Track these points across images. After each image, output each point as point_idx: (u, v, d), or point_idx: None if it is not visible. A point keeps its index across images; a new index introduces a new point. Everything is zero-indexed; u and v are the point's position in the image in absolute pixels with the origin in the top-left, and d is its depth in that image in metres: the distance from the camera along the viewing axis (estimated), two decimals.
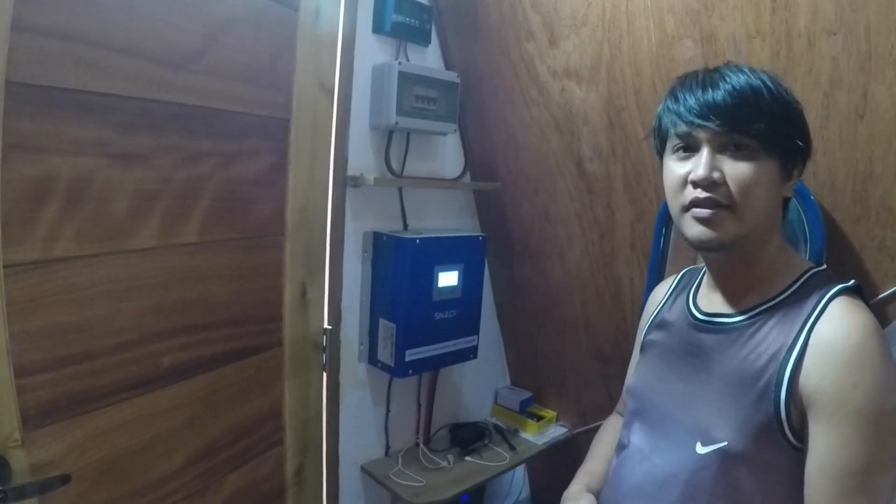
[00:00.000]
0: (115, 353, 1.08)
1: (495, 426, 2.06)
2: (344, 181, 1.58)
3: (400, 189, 1.79)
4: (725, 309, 0.95)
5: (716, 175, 0.83)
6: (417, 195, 1.83)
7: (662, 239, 1.46)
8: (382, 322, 1.70)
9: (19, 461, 0.94)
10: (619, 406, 1.30)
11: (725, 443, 0.84)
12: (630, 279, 1.68)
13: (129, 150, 1.07)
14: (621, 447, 1.06)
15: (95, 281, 1.04)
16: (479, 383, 2.15)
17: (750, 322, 0.89)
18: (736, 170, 0.83)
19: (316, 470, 1.62)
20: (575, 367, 1.98)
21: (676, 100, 0.88)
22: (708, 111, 0.83)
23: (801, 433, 0.81)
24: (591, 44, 1.51)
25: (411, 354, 1.68)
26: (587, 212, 1.71)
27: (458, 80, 1.73)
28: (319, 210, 1.52)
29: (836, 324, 0.80)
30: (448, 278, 1.74)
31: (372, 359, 1.74)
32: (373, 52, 1.65)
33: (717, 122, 0.82)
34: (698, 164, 0.84)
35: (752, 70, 0.86)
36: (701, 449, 0.88)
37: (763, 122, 0.81)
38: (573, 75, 1.58)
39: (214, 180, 1.23)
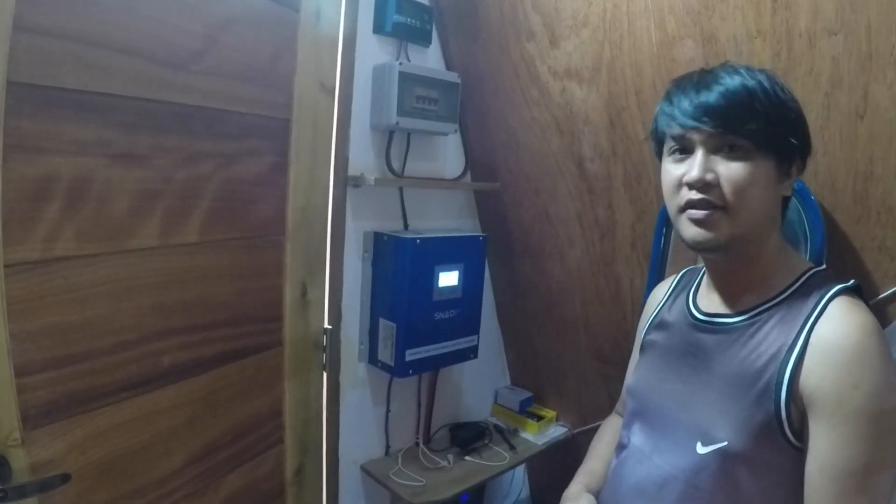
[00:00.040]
0: (116, 352, 1.08)
1: (495, 426, 2.06)
2: (344, 181, 1.59)
3: (400, 189, 1.79)
4: (725, 309, 0.95)
5: (709, 176, 0.83)
6: (418, 195, 1.84)
7: (663, 239, 1.46)
8: (383, 322, 1.70)
9: (19, 460, 0.94)
10: (618, 406, 1.30)
11: (725, 443, 0.84)
12: (630, 279, 1.68)
13: (129, 150, 1.07)
14: (621, 447, 1.06)
15: (96, 280, 1.04)
16: (479, 383, 2.15)
17: (750, 322, 0.89)
18: (730, 171, 0.83)
19: (316, 469, 1.62)
20: (575, 367, 1.98)
21: (671, 102, 0.88)
22: (701, 113, 0.83)
23: (802, 433, 0.81)
24: (591, 44, 1.51)
25: (411, 354, 1.68)
26: (588, 212, 1.71)
27: (458, 81, 1.73)
28: (320, 210, 1.52)
29: (837, 324, 0.80)
30: (448, 278, 1.74)
31: (372, 358, 1.74)
32: (373, 52, 1.65)
33: (711, 124, 0.83)
34: (692, 166, 0.85)
35: (749, 70, 0.86)
36: (701, 449, 0.88)
37: (757, 122, 0.81)
38: (574, 75, 1.58)
39: (215, 180, 1.23)
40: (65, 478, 0.99)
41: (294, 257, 1.45)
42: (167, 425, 1.19)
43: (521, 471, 2.31)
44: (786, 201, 0.92)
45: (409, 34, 1.70)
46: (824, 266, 0.93)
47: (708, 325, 0.96)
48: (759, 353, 0.86)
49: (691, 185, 0.85)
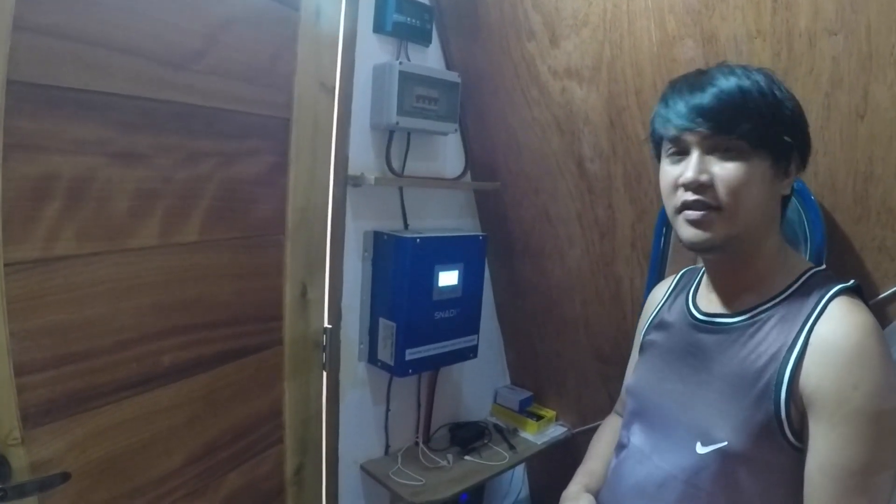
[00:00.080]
0: (116, 351, 1.08)
1: (495, 426, 2.06)
2: (344, 181, 1.58)
3: (400, 189, 1.79)
4: (725, 309, 0.95)
5: (703, 178, 0.84)
6: (418, 195, 1.84)
7: (663, 239, 1.46)
8: (382, 321, 1.70)
9: (19, 459, 0.94)
10: (617, 406, 1.30)
11: (725, 443, 0.84)
12: (630, 279, 1.68)
13: (129, 150, 1.07)
14: (621, 447, 1.06)
15: (96, 280, 1.04)
16: (478, 383, 2.15)
17: (750, 322, 0.89)
18: (724, 171, 0.83)
19: (316, 469, 1.62)
20: (575, 367, 1.98)
21: (667, 105, 0.89)
22: (695, 114, 0.84)
23: (801, 433, 0.81)
24: (592, 44, 1.51)
25: (411, 354, 1.68)
26: (588, 212, 1.71)
27: (458, 80, 1.73)
28: (320, 209, 1.52)
29: (836, 324, 0.80)
30: (448, 278, 1.74)
31: (372, 358, 1.74)
32: (374, 51, 1.65)
33: (704, 125, 0.83)
34: (687, 168, 0.86)
35: (746, 70, 0.86)
36: (701, 449, 0.88)
37: (750, 122, 0.82)
38: (574, 75, 1.58)
39: (215, 180, 1.23)
40: (65, 477, 0.99)
41: (294, 257, 1.45)
42: (167, 424, 1.19)
43: (520, 470, 2.31)
44: (785, 201, 0.92)
45: (410, 34, 1.70)
46: (824, 266, 0.93)
47: (708, 325, 0.96)
48: (758, 354, 0.86)
49: (686, 187, 0.86)
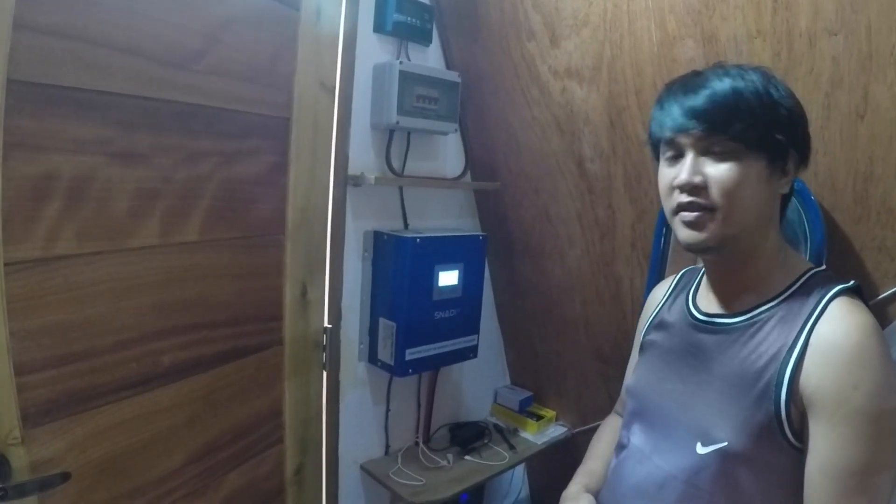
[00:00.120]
0: (116, 351, 1.08)
1: (495, 426, 2.06)
2: (345, 180, 1.58)
3: (400, 188, 1.79)
4: (725, 309, 0.95)
5: (697, 179, 0.84)
6: (418, 194, 1.84)
7: (663, 239, 1.46)
8: (383, 321, 1.70)
9: (19, 459, 0.94)
10: (617, 406, 1.30)
11: (725, 443, 0.85)
12: (630, 279, 1.68)
13: (129, 149, 1.07)
14: (621, 447, 1.06)
15: (96, 279, 1.04)
16: (478, 383, 2.15)
17: (750, 322, 0.89)
18: (718, 172, 0.84)
19: (316, 469, 1.62)
20: (575, 367, 1.98)
21: (662, 108, 0.90)
22: (689, 117, 0.85)
23: (802, 433, 0.81)
24: (592, 44, 1.51)
25: (411, 353, 1.68)
26: (588, 212, 1.71)
27: (458, 80, 1.73)
28: (320, 209, 1.52)
29: (837, 324, 0.80)
30: (448, 278, 1.74)
31: (372, 358, 1.74)
32: (374, 51, 1.65)
33: (698, 127, 0.84)
34: (681, 170, 0.86)
35: (741, 70, 0.86)
36: (701, 449, 0.88)
37: (743, 122, 0.82)
38: (574, 75, 1.58)
39: (215, 179, 1.23)
40: (65, 476, 0.99)
41: (294, 256, 1.45)
42: (167, 424, 1.19)
43: (520, 470, 2.31)
44: (785, 200, 0.92)
45: (410, 33, 1.70)
46: (824, 266, 0.93)
47: (708, 326, 0.96)
48: (759, 354, 0.86)
49: (681, 189, 0.86)
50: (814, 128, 0.95)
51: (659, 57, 1.38)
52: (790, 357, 0.82)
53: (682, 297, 1.07)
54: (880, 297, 1.13)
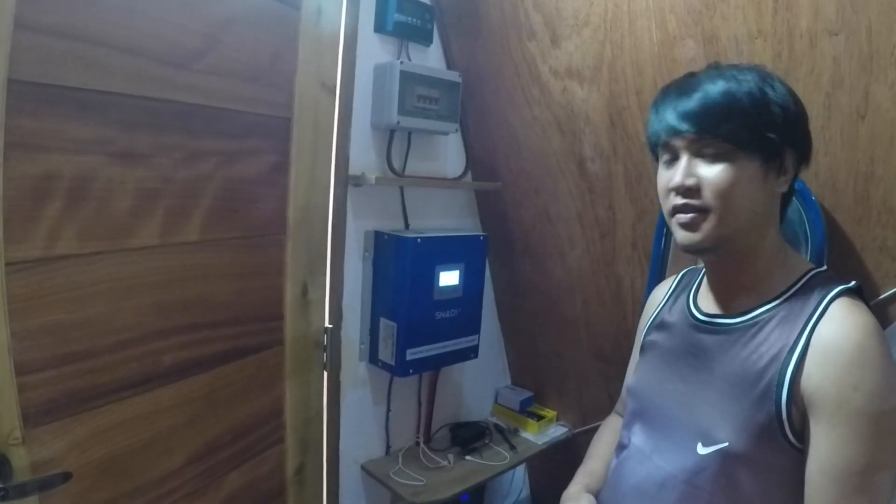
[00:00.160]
0: (116, 351, 1.08)
1: (496, 426, 2.06)
2: (345, 180, 1.59)
3: (401, 188, 1.79)
4: (726, 309, 0.95)
5: (690, 181, 0.85)
6: (419, 194, 1.84)
7: (663, 239, 1.46)
8: (383, 321, 1.70)
9: (20, 459, 0.94)
10: (618, 406, 1.30)
11: (726, 443, 0.84)
12: (631, 279, 1.68)
13: (130, 149, 1.07)
14: (621, 447, 1.06)
15: (97, 279, 1.04)
16: (479, 383, 2.15)
17: (751, 323, 0.89)
18: (710, 173, 0.84)
19: (316, 469, 1.62)
20: (575, 367, 1.98)
21: (657, 111, 0.91)
22: (682, 120, 0.85)
23: (802, 434, 0.81)
24: (592, 44, 1.51)
25: (412, 353, 1.68)
26: (588, 211, 1.71)
27: (459, 80, 1.73)
28: (321, 209, 1.52)
29: (837, 325, 0.80)
30: (449, 278, 1.74)
31: (373, 358, 1.74)
32: (374, 51, 1.65)
33: (690, 130, 0.85)
34: (675, 172, 0.87)
35: (737, 70, 0.87)
36: (702, 449, 0.88)
37: (734, 123, 0.82)
38: (575, 75, 1.58)
39: (216, 179, 1.23)
40: (65, 476, 0.99)
41: (295, 256, 1.45)
42: (168, 424, 1.19)
43: (521, 470, 2.31)
44: (785, 199, 0.92)
45: (411, 33, 1.70)
46: (825, 267, 0.93)
47: (708, 326, 0.96)
48: (759, 354, 0.85)
49: (676, 191, 0.87)
50: (814, 128, 0.95)
51: (659, 57, 1.38)
52: (791, 358, 0.81)
53: (683, 297, 1.07)
54: (881, 297, 1.13)
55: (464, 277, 1.78)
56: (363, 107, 1.63)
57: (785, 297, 0.88)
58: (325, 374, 1.61)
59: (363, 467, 1.79)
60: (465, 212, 2.04)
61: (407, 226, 1.81)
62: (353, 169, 1.61)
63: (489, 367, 2.16)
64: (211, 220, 1.23)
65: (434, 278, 1.70)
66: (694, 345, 0.97)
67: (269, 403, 1.44)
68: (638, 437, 1.02)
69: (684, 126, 0.85)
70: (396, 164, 1.75)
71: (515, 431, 2.04)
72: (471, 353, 1.87)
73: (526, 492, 2.34)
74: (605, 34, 1.47)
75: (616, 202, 1.63)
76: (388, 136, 1.72)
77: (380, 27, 1.65)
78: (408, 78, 1.59)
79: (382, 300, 1.71)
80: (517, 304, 2.11)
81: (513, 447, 1.93)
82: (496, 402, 2.19)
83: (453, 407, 2.08)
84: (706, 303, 1.00)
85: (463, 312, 1.80)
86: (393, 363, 1.68)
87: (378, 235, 1.71)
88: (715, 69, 0.89)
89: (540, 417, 2.04)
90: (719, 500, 0.86)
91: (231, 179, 1.27)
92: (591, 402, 1.98)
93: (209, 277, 1.25)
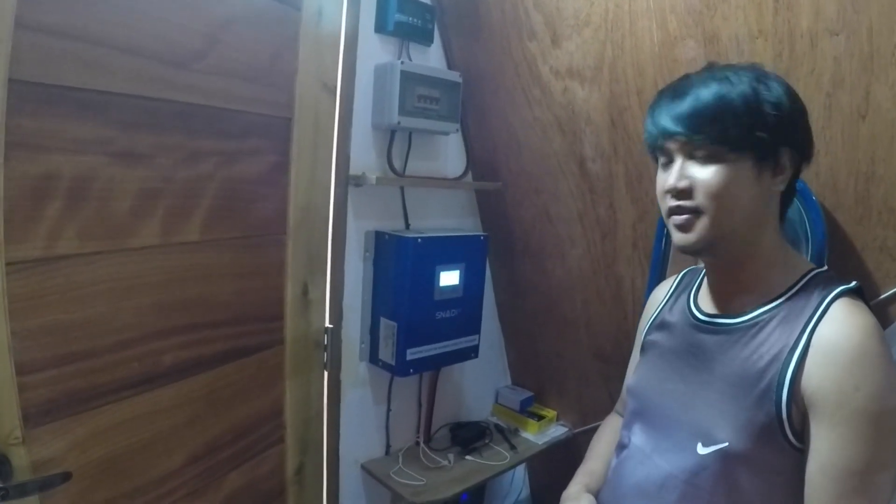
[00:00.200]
0: (117, 351, 1.08)
1: (496, 425, 2.06)
2: (346, 180, 1.59)
3: (402, 188, 1.79)
4: (726, 309, 0.95)
5: (682, 184, 0.87)
6: (419, 194, 1.84)
7: (664, 239, 1.46)
8: (384, 321, 1.70)
9: (20, 458, 0.94)
10: (618, 406, 1.30)
11: (726, 443, 0.84)
12: (632, 279, 1.68)
13: (130, 149, 1.07)
14: (621, 447, 1.06)
15: (97, 279, 1.04)
16: (479, 382, 2.15)
17: (751, 323, 0.89)
18: (702, 175, 0.85)
19: (316, 469, 1.62)
20: (576, 367, 1.98)
21: (653, 114, 0.92)
22: (675, 123, 0.86)
23: (802, 434, 0.81)
24: (593, 44, 1.51)
25: (412, 353, 1.68)
26: (589, 212, 1.71)
27: (460, 80, 1.73)
28: (321, 209, 1.52)
29: (838, 325, 0.80)
30: (449, 277, 1.74)
31: (373, 358, 1.74)
32: (375, 51, 1.65)
33: (682, 132, 0.86)
34: (669, 174, 0.89)
35: (732, 71, 0.87)
36: (702, 449, 0.88)
37: (725, 124, 0.83)
38: (575, 75, 1.58)
39: (216, 179, 1.23)
40: (66, 476, 0.99)
41: (295, 256, 1.45)
42: (168, 424, 1.19)
43: (521, 470, 2.31)
44: (785, 199, 0.92)
45: (411, 33, 1.70)
46: (826, 267, 0.93)
47: (709, 326, 0.96)
48: (760, 354, 0.85)
49: (670, 193, 0.88)
50: (815, 128, 0.95)
51: (660, 57, 1.38)
52: (791, 358, 0.81)
53: (684, 297, 1.07)
54: (881, 297, 1.13)
55: (464, 277, 1.78)
56: (364, 107, 1.63)
57: (785, 297, 0.88)
58: (326, 373, 1.61)
59: (363, 467, 1.80)
60: (466, 212, 2.04)
61: (407, 226, 1.81)
62: (354, 169, 1.61)
63: (489, 366, 2.16)
64: (211, 220, 1.23)
65: (434, 278, 1.70)
66: (694, 345, 0.97)
67: (269, 403, 1.44)
68: (638, 437, 1.02)
69: (676, 129, 0.86)
70: (397, 164, 1.75)
71: (516, 431, 2.04)
72: (471, 352, 1.87)
73: (526, 492, 2.34)
74: (606, 34, 1.47)
75: (617, 202, 1.63)
76: (389, 136, 1.72)
77: (380, 27, 1.65)
78: (408, 78, 1.59)
79: (383, 300, 1.71)
80: (517, 303, 2.11)
81: (513, 447, 1.93)
82: (496, 401, 2.19)
83: (453, 407, 2.08)
84: (706, 303, 1.00)
85: (463, 312, 1.80)
86: (393, 363, 1.68)
87: (378, 235, 1.71)
88: (708, 71, 0.89)
89: (540, 417, 2.04)
90: (719, 500, 0.86)
91: (231, 179, 1.27)
92: (591, 401, 1.98)
93: (209, 277, 1.25)
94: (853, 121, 1.11)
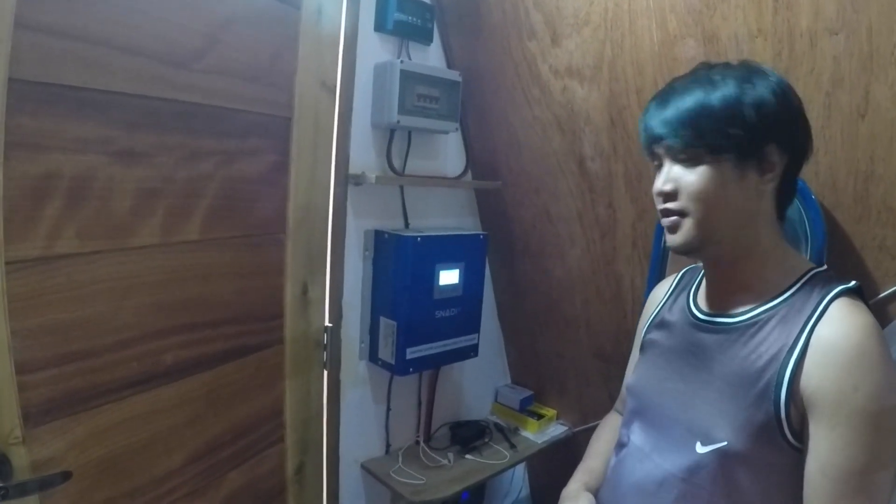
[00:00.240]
0: (117, 350, 1.09)
1: (496, 424, 2.06)
2: (345, 179, 1.59)
3: (401, 187, 1.79)
4: (725, 309, 0.95)
5: (667, 187, 0.89)
6: (419, 193, 1.84)
7: (663, 238, 1.45)
8: (383, 320, 1.70)
9: (20, 458, 0.94)
10: (617, 404, 1.30)
11: (725, 443, 0.85)
12: (631, 278, 1.68)
13: (130, 148, 1.07)
14: (621, 445, 1.06)
15: (97, 278, 1.04)
16: (479, 382, 2.15)
17: (750, 322, 0.89)
18: (686, 178, 0.88)
19: (316, 468, 1.62)
20: (575, 366, 1.98)
21: (643, 119, 0.94)
22: (660, 128, 0.89)
23: (801, 434, 0.81)
24: (593, 43, 1.51)
25: (412, 352, 1.69)
26: (588, 211, 1.71)
27: (459, 79, 1.73)
28: (321, 208, 1.52)
29: (837, 325, 0.80)
30: (449, 276, 1.74)
31: (373, 357, 1.74)
32: (375, 50, 1.65)
33: (665, 136, 0.88)
34: (658, 177, 0.91)
35: (719, 74, 0.87)
36: (701, 448, 0.88)
37: (703, 127, 0.84)
38: (575, 74, 1.58)
39: (216, 178, 1.23)
40: (66, 475, 0.99)
41: (295, 255, 1.45)
42: (168, 423, 1.19)
43: (521, 469, 2.31)
44: (784, 197, 0.91)
45: (411, 32, 1.70)
46: (825, 266, 0.93)
47: (708, 325, 0.96)
48: (759, 354, 0.86)
49: (658, 195, 0.91)
50: (815, 127, 0.95)
51: (660, 56, 1.38)
52: (790, 358, 0.81)
53: (683, 296, 1.07)
54: (881, 295, 1.13)
55: (464, 276, 1.78)
56: (363, 106, 1.63)
57: (784, 296, 0.88)
58: (325, 373, 1.62)
59: (363, 466, 1.80)
60: (466, 211, 2.04)
61: (407, 225, 1.81)
62: (354, 168, 1.61)
63: (489, 365, 2.17)
64: (211, 220, 1.23)
65: (434, 277, 1.70)
66: (694, 344, 0.97)
67: (269, 402, 1.44)
68: (637, 436, 1.02)
69: (660, 133, 0.89)
70: (396, 163, 1.75)
71: (515, 430, 2.04)
72: (471, 351, 1.88)
73: (526, 490, 2.35)
74: (606, 33, 1.47)
75: (616, 201, 1.63)
76: (389, 135, 1.72)
77: (380, 26, 1.65)
78: (408, 77, 1.59)
79: (382, 299, 1.71)
80: (517, 303, 2.11)
81: (513, 446, 1.93)
82: (496, 400, 2.20)
83: (453, 406, 2.08)
84: (706, 302, 1.00)
85: (463, 311, 1.80)
86: (393, 362, 1.68)
87: (378, 234, 1.71)
88: (693, 75, 0.91)
89: (540, 416, 2.04)
90: (718, 499, 0.86)
91: (231, 179, 1.27)
92: (591, 400, 1.98)
93: (209, 277, 1.25)
94: (852, 120, 1.11)
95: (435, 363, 1.82)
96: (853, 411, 0.76)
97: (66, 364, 1.01)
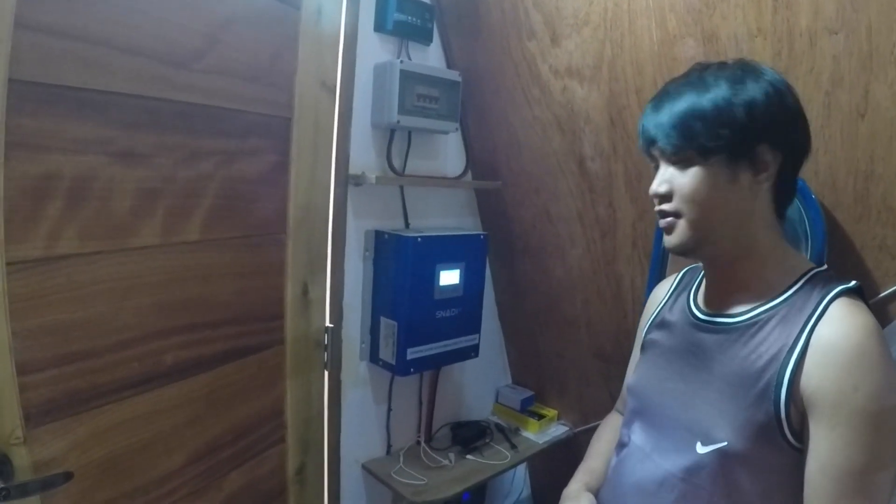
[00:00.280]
0: (117, 350, 1.09)
1: (496, 425, 2.06)
2: (346, 180, 1.59)
3: (401, 188, 1.79)
4: (725, 309, 0.95)
5: (661, 189, 0.91)
6: (419, 194, 1.84)
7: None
8: (384, 320, 1.70)
9: (21, 458, 0.94)
10: (618, 404, 1.30)
11: (725, 443, 0.85)
12: (631, 278, 1.68)
13: (130, 149, 1.07)
14: (621, 445, 1.06)
15: (97, 278, 1.04)
16: (480, 382, 2.15)
17: (751, 322, 0.89)
18: (680, 179, 0.89)
19: (317, 468, 1.62)
20: (576, 366, 1.98)
21: (640, 123, 0.95)
22: (654, 131, 0.90)
23: (801, 434, 0.81)
24: (592, 43, 1.51)
25: (413, 353, 1.69)
26: (588, 211, 1.71)
27: (459, 79, 1.73)
28: (321, 209, 1.52)
29: (837, 325, 0.80)
30: (449, 277, 1.74)
31: (373, 357, 1.74)
32: (375, 50, 1.65)
33: (658, 140, 0.89)
34: (654, 179, 0.93)
35: (712, 75, 0.87)
36: (701, 448, 0.88)
37: (691, 130, 0.85)
38: (575, 74, 1.58)
39: (216, 179, 1.23)
40: (67, 476, 0.99)
41: (295, 256, 1.45)
42: (169, 424, 1.20)
43: (522, 470, 2.31)
44: (783, 196, 0.91)
45: (411, 32, 1.71)
46: (825, 266, 0.93)
47: (709, 325, 0.96)
48: (759, 354, 0.85)
49: (655, 197, 0.93)
50: (814, 127, 0.96)
51: (659, 56, 1.38)
52: (790, 358, 0.81)
53: (684, 296, 1.07)
54: (881, 295, 1.13)
55: (464, 276, 1.78)
56: (363, 106, 1.63)
57: (785, 296, 0.88)
58: (326, 373, 1.62)
59: (364, 467, 1.80)
60: (466, 211, 2.04)
61: (407, 225, 1.81)
62: (354, 168, 1.61)
63: (490, 366, 2.17)
64: (211, 220, 1.23)
65: (434, 277, 1.70)
66: (694, 344, 0.97)
67: (269, 403, 1.44)
68: (638, 436, 1.02)
69: (653, 136, 0.90)
70: (397, 163, 1.75)
71: (516, 430, 2.04)
72: (471, 352, 1.88)
73: (527, 491, 2.35)
74: (605, 33, 1.47)
75: (616, 201, 1.63)
76: (389, 135, 1.72)
77: (380, 26, 1.65)
78: (408, 77, 1.59)
79: (383, 299, 1.71)
80: (518, 303, 2.11)
81: (514, 446, 1.93)
82: (497, 401, 2.20)
83: (454, 406, 2.08)
84: (706, 302, 1.00)
85: (463, 311, 1.80)
86: (394, 362, 1.68)
87: (378, 235, 1.71)
88: (685, 77, 0.91)
89: (541, 416, 2.04)
90: (718, 499, 0.86)
91: (231, 179, 1.27)
92: (591, 401, 1.98)
93: (210, 277, 1.25)
94: (852, 119, 1.11)
95: (436, 363, 1.82)
96: (853, 411, 0.76)
97: (66, 364, 1.01)
